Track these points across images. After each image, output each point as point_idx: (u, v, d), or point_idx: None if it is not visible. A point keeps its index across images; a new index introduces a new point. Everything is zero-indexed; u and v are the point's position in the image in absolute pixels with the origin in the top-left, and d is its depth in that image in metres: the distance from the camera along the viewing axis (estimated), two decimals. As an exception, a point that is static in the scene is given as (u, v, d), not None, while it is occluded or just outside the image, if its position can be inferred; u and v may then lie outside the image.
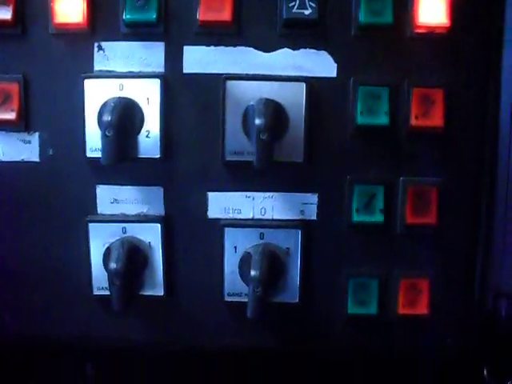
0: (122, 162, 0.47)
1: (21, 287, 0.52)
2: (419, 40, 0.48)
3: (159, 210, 0.50)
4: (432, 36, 0.47)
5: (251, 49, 0.48)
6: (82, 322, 0.52)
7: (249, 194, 0.49)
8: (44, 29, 0.49)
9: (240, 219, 0.50)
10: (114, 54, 0.49)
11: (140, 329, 0.52)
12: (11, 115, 0.49)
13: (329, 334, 0.51)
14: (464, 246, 0.50)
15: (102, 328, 0.52)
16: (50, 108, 0.49)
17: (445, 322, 0.51)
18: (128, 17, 0.48)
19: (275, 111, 0.46)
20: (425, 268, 0.50)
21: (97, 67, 0.49)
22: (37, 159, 0.50)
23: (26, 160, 0.50)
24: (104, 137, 0.45)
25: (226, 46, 0.48)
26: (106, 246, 0.50)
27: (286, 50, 0.48)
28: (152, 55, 0.48)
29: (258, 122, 0.44)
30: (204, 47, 0.48)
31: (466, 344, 0.51)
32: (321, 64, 0.48)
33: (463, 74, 0.48)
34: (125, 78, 0.48)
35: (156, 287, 0.51)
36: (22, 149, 0.50)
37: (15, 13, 0.48)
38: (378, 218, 0.49)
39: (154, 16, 0.47)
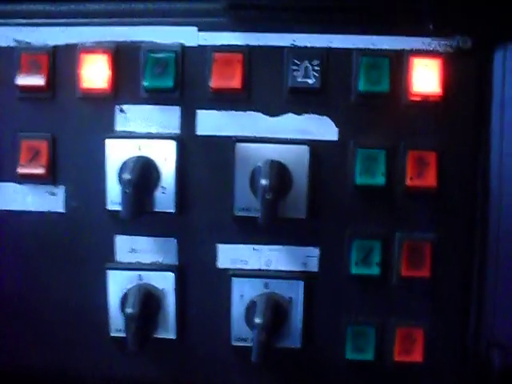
0: (140, 216, 0.51)
1: (43, 328, 0.56)
2: (414, 107, 0.51)
3: (173, 259, 0.54)
4: (426, 103, 0.51)
5: (259, 113, 0.52)
6: (99, 362, 0.56)
7: (255, 246, 0.53)
8: (72, 93, 0.53)
9: (247, 270, 0.53)
10: (134, 117, 0.53)
11: (153, 369, 0.55)
12: (40, 170, 0.54)
13: (328, 378, 0.55)
14: (457, 297, 0.53)
15: (117, 367, 0.56)
16: (75, 164, 0.54)
17: (439, 370, 0.54)
18: (147, 83, 0.52)
19: (280, 172, 0.50)
20: (420, 318, 0.53)
21: (118, 128, 0.53)
22: (62, 210, 0.54)
23: (51, 211, 0.54)
24: (124, 193, 0.49)
25: (236, 110, 0.52)
26: (124, 291, 0.54)
27: (291, 114, 0.52)
28: (169, 118, 0.53)
29: (263, 182, 0.48)
30: (216, 111, 0.52)
31: (459, 391, 0.54)
32: (323, 128, 0.52)
33: (455, 137, 0.52)
34: (143, 139, 0.52)
35: (168, 331, 0.54)
36: (49, 200, 0.54)
37: (48, 79, 0.53)
38: (375, 270, 0.52)
39: (171, 83, 0.52)
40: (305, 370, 0.54)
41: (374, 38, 0.52)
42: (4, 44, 0.54)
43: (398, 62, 0.51)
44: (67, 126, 0.54)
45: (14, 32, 0.54)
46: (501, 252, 0.52)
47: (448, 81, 0.51)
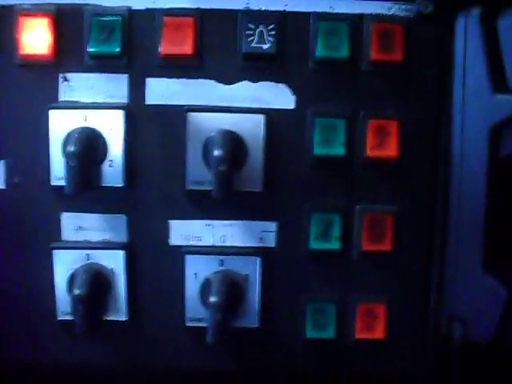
0: (86, 191, 0.48)
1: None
2: (373, 74, 0.49)
3: (122, 237, 0.51)
4: (386, 70, 0.49)
5: (212, 81, 0.49)
6: (47, 347, 0.52)
7: (209, 222, 0.50)
8: (10, 60, 0.49)
9: (200, 246, 0.51)
10: (78, 85, 0.50)
11: (103, 353, 0.52)
12: (-23, 143, 0.50)
13: (288, 357, 0.53)
14: (418, 271, 0.52)
15: (66, 353, 0.52)
16: (15, 137, 0.50)
17: (400, 346, 0.52)
18: (92, 49, 0.49)
19: (234, 142, 0.47)
20: (381, 293, 0.51)
21: (62, 98, 0.50)
22: (3, 186, 0.51)
23: (-9, 187, 0.51)
24: (68, 167, 0.46)
25: (188, 78, 0.49)
26: (70, 272, 0.50)
27: (245, 82, 0.49)
28: (116, 87, 0.50)
29: (216, 153, 0.46)
30: (166, 79, 0.49)
31: (422, 368, 0.53)
32: (279, 96, 0.49)
33: (416, 106, 0.50)
34: (89, 109, 0.49)
35: (119, 312, 0.51)
36: (-12, 176, 0.51)
37: (-19, 45, 0.49)
38: (335, 245, 0.50)
39: (118, 49, 0.49)
40: (263, 349, 0.52)
41: (333, 1, 0.49)
42: None
43: (357, 27, 0.49)
44: (6, 96, 0.50)
45: None
46: (462, 225, 0.50)
47: (408, 47, 0.49)
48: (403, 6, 0.49)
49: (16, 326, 0.52)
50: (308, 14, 0.49)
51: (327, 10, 0.49)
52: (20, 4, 0.49)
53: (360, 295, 0.51)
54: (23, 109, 0.50)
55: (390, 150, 0.50)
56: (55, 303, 0.51)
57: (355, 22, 0.49)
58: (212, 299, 0.47)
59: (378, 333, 0.52)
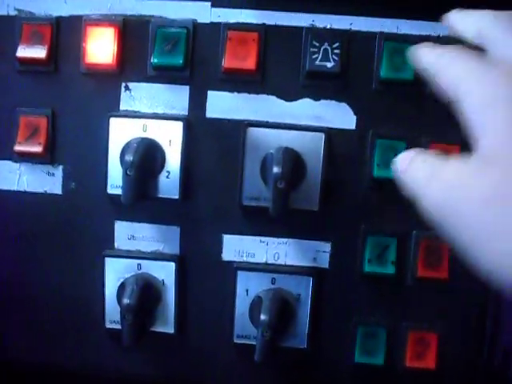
0: (141, 201, 0.48)
1: (35, 314, 0.52)
2: (438, 97, 0.48)
3: (175, 249, 0.51)
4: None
5: (273, 97, 0.49)
6: (92, 354, 0.53)
7: (263, 238, 0.50)
8: (75, 67, 0.50)
9: (253, 263, 0.50)
10: (140, 95, 0.50)
11: (149, 364, 0.52)
12: (38, 148, 0.51)
13: (335, 381, 0.52)
14: (475, 301, 0.50)
15: (111, 361, 0.53)
16: (75, 143, 0.51)
17: (452, 377, 0.51)
18: (156, 60, 0.49)
19: (293, 160, 0.47)
20: (434, 322, 0.50)
21: (123, 107, 0.50)
22: (59, 192, 0.51)
23: (48, 192, 0.51)
24: (125, 176, 0.46)
25: (249, 93, 0.49)
26: (121, 280, 0.50)
27: (307, 100, 0.49)
28: (177, 98, 0.50)
29: (275, 170, 0.45)
30: (227, 93, 0.49)
31: (473, 401, 0.51)
32: (340, 116, 0.49)
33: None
34: (149, 119, 0.49)
35: (167, 325, 0.51)
36: (46, 181, 0.51)
37: (49, 52, 0.50)
38: (390, 269, 0.49)
39: (181, 61, 0.49)
40: (310, 371, 0.51)
41: (399, 21, 0.48)
42: (4, 12, 0.51)
43: (423, 49, 0.48)
44: (69, 103, 0.50)
45: (15, 0, 0.51)
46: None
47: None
48: (472, 29, 0.48)
49: (64, 330, 0.52)
50: (374, 33, 0.48)
51: (394, 30, 0.48)
52: (88, 14, 0.50)
53: (412, 322, 0.50)
54: (84, 116, 0.50)
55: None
56: (104, 311, 0.51)
57: (422, 43, 0.48)
58: (262, 317, 0.47)
59: (429, 362, 0.50)
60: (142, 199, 0.48)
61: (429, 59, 0.38)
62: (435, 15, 0.48)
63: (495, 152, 0.31)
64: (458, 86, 0.35)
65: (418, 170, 0.35)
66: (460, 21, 0.41)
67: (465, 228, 0.31)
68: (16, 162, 0.51)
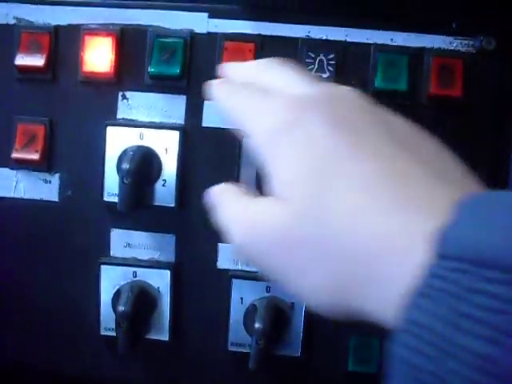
0: (138, 209, 0.48)
1: (30, 320, 0.53)
2: (431, 108, 0.49)
3: (170, 256, 0.51)
4: (444, 105, 0.49)
5: (269, 107, 0.50)
6: (87, 360, 0.53)
7: (258, 247, 0.50)
8: (73, 76, 0.51)
9: (248, 271, 0.50)
10: (137, 104, 0.50)
11: (143, 371, 0.52)
12: (35, 155, 0.51)
13: (329, 390, 0.52)
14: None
15: (105, 367, 0.53)
16: (72, 151, 0.51)
17: None
18: (153, 70, 0.49)
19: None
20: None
21: (120, 115, 0.51)
22: (56, 199, 0.52)
23: (45, 199, 0.52)
24: (122, 184, 0.47)
25: (245, 103, 0.50)
26: (117, 288, 0.51)
27: (302, 110, 0.49)
28: (173, 107, 0.50)
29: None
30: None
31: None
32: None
33: (473, 144, 0.49)
34: (146, 128, 0.50)
35: (162, 332, 0.51)
36: (43, 188, 0.52)
37: (48, 60, 0.50)
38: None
39: (178, 70, 0.49)
40: (304, 379, 0.52)
41: (393, 33, 0.49)
42: (3, 21, 0.51)
43: (417, 61, 0.49)
44: (66, 111, 0.51)
45: (14, 9, 0.51)
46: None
47: (468, 83, 0.48)
48: (465, 41, 0.49)
49: (59, 336, 0.52)
50: (369, 45, 0.49)
51: (388, 42, 0.49)
52: (86, 23, 0.50)
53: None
54: (82, 124, 0.51)
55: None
56: (99, 318, 0.51)
57: (416, 56, 0.49)
58: (257, 325, 0.47)
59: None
60: (138, 207, 0.48)
61: (219, 95, 0.39)
62: (429, 27, 0.49)
63: (285, 191, 0.30)
64: (243, 122, 0.35)
65: (228, 206, 0.36)
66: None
67: (268, 267, 0.32)
68: (13, 169, 0.52)
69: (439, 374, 0.22)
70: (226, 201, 0.36)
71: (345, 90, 0.33)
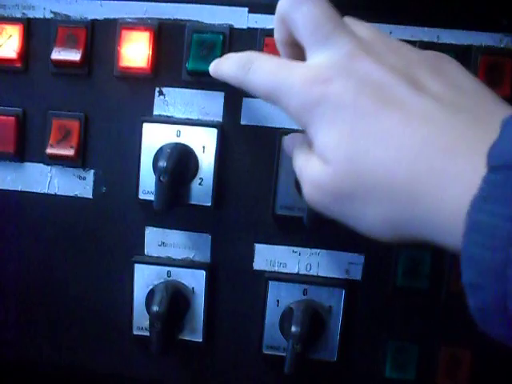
0: (174, 208, 0.47)
1: (63, 318, 0.52)
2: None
3: (205, 256, 0.50)
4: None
5: (309, 105, 0.48)
6: (119, 359, 0.52)
7: (296, 249, 0.49)
8: (109, 71, 0.50)
9: (285, 273, 0.49)
10: (174, 100, 0.49)
11: (176, 372, 0.52)
12: (70, 151, 0.50)
13: (364, 396, 0.51)
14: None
15: (137, 367, 0.52)
16: (107, 147, 0.50)
17: (485, 395, 0.50)
18: (191, 65, 0.48)
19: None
20: (467, 339, 0.49)
21: (156, 112, 0.50)
22: (90, 196, 0.51)
23: (79, 196, 0.51)
24: (158, 182, 0.46)
25: (285, 101, 0.48)
26: (150, 287, 0.50)
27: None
28: (211, 104, 0.49)
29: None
30: (263, 101, 0.48)
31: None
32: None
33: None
34: (183, 125, 0.49)
35: (195, 333, 0.50)
36: (77, 184, 0.51)
37: (84, 55, 0.49)
38: (424, 283, 0.48)
39: (217, 67, 0.48)
40: (339, 384, 0.51)
41: (440, 30, 0.47)
42: (40, 15, 0.51)
43: (464, 59, 0.47)
44: (102, 106, 0.50)
45: (51, 3, 0.50)
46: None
47: (517, 82, 0.47)
48: (516, 39, 0.47)
49: (92, 335, 0.52)
50: (414, 42, 0.47)
51: (434, 39, 0.47)
52: (123, 18, 0.49)
53: (445, 338, 0.49)
54: (117, 120, 0.50)
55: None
56: (132, 317, 0.51)
57: (463, 54, 0.47)
58: (294, 329, 0.46)
59: (462, 380, 0.49)
60: (174, 206, 0.47)
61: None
62: (477, 24, 0.47)
63: (327, 154, 0.33)
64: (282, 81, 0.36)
65: (296, 158, 0.39)
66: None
67: (332, 214, 0.36)
68: (47, 164, 0.51)
69: (505, 261, 0.26)
70: (294, 153, 0.39)
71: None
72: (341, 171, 0.33)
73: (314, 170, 0.35)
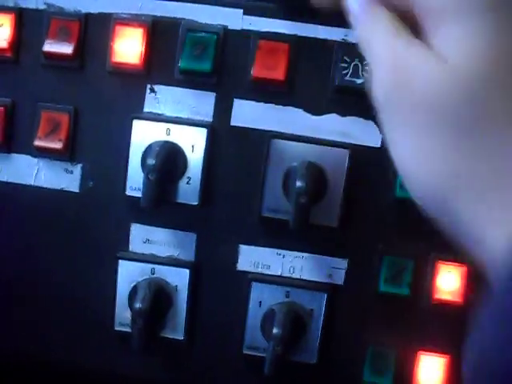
0: (161, 206, 0.47)
1: (44, 312, 0.52)
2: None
3: (190, 255, 0.50)
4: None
5: (300, 110, 0.48)
6: (99, 355, 0.52)
7: (280, 251, 0.49)
8: (101, 66, 0.50)
9: (268, 275, 0.50)
10: (165, 98, 0.49)
11: (156, 369, 0.52)
12: (58, 144, 0.50)
13: (342, 399, 0.51)
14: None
15: (117, 363, 0.52)
16: (96, 142, 0.50)
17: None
18: (183, 64, 0.48)
19: (316, 175, 0.46)
20: (446, 347, 0.49)
21: (146, 109, 0.50)
22: (76, 190, 0.51)
23: (65, 189, 0.51)
24: (146, 179, 0.46)
25: (276, 104, 0.48)
26: (134, 284, 0.50)
27: (334, 115, 0.48)
28: (202, 104, 0.49)
29: (298, 184, 0.45)
30: (254, 102, 0.49)
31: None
32: (366, 133, 0.48)
33: None
34: (173, 123, 0.49)
35: (177, 331, 0.51)
36: (64, 178, 0.51)
37: (76, 48, 0.49)
38: (405, 291, 0.49)
39: (209, 67, 0.48)
40: (318, 387, 0.51)
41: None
42: (33, 6, 0.50)
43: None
44: (92, 101, 0.50)
45: (45, -6, 0.50)
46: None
47: None
48: None
49: (72, 329, 0.52)
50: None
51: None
52: (118, 13, 0.49)
53: (424, 345, 0.50)
54: (107, 115, 0.50)
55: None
56: (114, 313, 0.51)
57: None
58: (275, 331, 0.46)
59: (438, 385, 0.50)
60: (161, 204, 0.47)
61: None
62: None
63: (454, 49, 0.27)
64: None
65: (381, 38, 0.31)
66: None
67: (386, 118, 0.30)
68: (35, 156, 0.51)
69: None
70: (379, 30, 0.31)
71: None
72: (471, 78, 0.26)
73: (416, 63, 0.28)
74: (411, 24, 0.30)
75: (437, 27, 0.28)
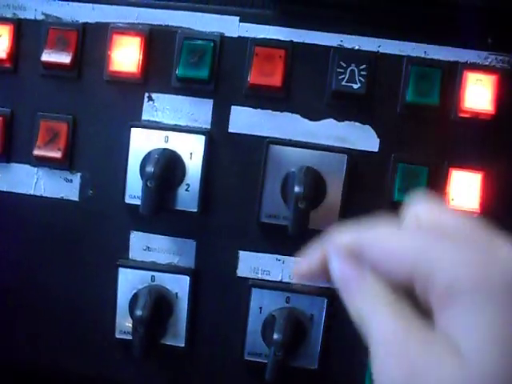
0: (160, 213, 0.48)
1: (45, 320, 0.52)
2: (462, 124, 0.48)
3: (190, 262, 0.50)
4: (475, 121, 0.48)
5: (297, 115, 0.49)
6: (101, 363, 0.52)
7: (279, 257, 0.50)
8: (99, 75, 0.50)
9: (268, 281, 0.50)
10: (162, 106, 0.50)
11: (157, 376, 0.52)
12: (57, 153, 0.50)
13: (344, 404, 0.51)
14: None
15: (119, 370, 0.52)
16: (94, 150, 0.50)
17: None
18: (180, 72, 0.49)
19: (315, 180, 0.47)
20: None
21: (145, 117, 0.50)
22: (76, 198, 0.51)
23: (65, 198, 0.51)
24: (145, 187, 0.46)
25: (273, 110, 0.49)
26: (134, 291, 0.50)
27: (331, 120, 0.48)
28: (200, 111, 0.49)
29: (297, 189, 0.45)
30: (251, 109, 0.49)
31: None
32: (364, 138, 0.48)
33: (503, 159, 0.48)
34: (171, 131, 0.49)
35: (177, 338, 0.51)
36: (63, 187, 0.51)
37: (74, 58, 0.49)
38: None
39: (206, 74, 0.48)
40: (319, 392, 0.51)
41: (427, 46, 0.48)
42: (31, 17, 0.51)
43: (450, 75, 0.48)
44: (90, 110, 0.50)
45: (42, 4, 0.50)
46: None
47: (502, 99, 0.48)
48: (500, 57, 0.48)
49: (73, 337, 0.52)
50: (401, 57, 0.48)
51: (421, 55, 0.48)
52: (115, 22, 0.50)
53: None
54: (105, 123, 0.50)
55: (472, 201, 0.48)
56: (115, 321, 0.51)
57: (449, 70, 0.48)
58: (276, 336, 0.46)
59: None
60: (160, 211, 0.48)
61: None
62: (463, 41, 0.48)
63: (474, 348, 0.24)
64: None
65: (379, 323, 0.28)
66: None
67: None
68: (34, 166, 0.51)
69: None
70: (373, 305, 0.28)
71: None
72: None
73: (426, 358, 0.25)
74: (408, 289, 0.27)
75: (443, 306, 0.25)
